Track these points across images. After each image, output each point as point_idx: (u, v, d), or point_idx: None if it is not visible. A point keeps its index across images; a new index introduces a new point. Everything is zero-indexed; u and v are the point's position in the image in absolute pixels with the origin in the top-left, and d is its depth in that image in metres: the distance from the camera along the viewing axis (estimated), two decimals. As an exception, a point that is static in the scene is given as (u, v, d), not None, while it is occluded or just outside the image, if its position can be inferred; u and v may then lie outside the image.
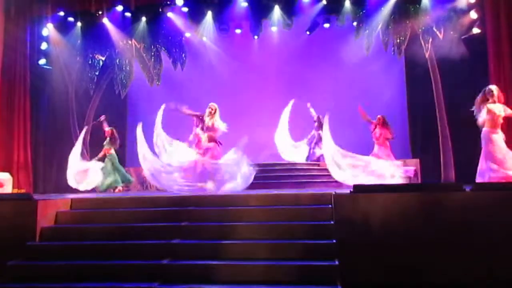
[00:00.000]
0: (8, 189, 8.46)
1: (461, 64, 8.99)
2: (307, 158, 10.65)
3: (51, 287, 4.12)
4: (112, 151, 8.86)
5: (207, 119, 6.88)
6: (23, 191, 9.17)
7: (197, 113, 7.30)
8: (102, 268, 4.33)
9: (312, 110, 10.59)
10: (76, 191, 8.42)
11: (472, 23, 9.06)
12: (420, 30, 9.58)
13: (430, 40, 9.46)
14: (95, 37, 10.72)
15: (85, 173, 8.45)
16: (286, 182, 8.82)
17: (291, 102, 10.84)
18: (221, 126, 6.82)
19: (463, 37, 9.11)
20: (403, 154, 10.27)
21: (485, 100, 5.93)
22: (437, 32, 9.33)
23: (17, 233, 4.79)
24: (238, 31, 11.30)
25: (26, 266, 4.46)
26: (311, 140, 10.78)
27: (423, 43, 9.54)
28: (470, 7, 9.02)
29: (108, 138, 8.93)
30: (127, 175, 8.99)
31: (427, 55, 9.56)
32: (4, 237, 4.79)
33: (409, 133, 10.57)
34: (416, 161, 9.72)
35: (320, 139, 10.73)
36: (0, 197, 5.68)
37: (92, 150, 10.12)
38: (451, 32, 9.17)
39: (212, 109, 6.89)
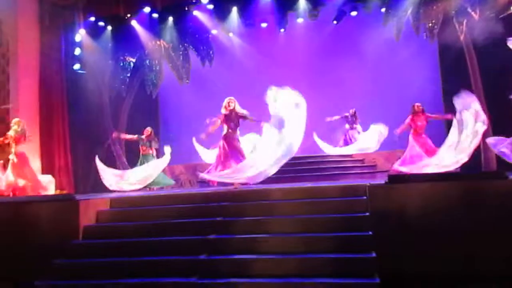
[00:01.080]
0: (51, 190, 8.84)
1: (500, 46, 8.57)
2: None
3: (95, 284, 4.29)
4: (152, 151, 9.01)
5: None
6: (65, 192, 9.54)
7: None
8: (142, 265, 4.46)
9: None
10: (113, 191, 8.67)
11: (510, 1, 8.62)
12: (453, 11, 9.18)
13: (465, 21, 9.06)
14: (125, 39, 10.97)
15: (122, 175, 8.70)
16: (319, 175, 8.76)
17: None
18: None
19: (500, 16, 8.67)
20: (439, 143, 9.96)
21: None
22: (472, 13, 8.92)
23: (61, 232, 5.01)
24: (264, 25, 11.25)
25: (71, 264, 4.66)
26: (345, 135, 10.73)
27: (457, 25, 9.15)
28: (507, -17, 8.60)
29: (147, 138, 9.03)
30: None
31: (461, 38, 9.17)
32: (49, 236, 5.03)
33: (445, 121, 10.23)
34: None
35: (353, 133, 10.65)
36: (44, 198, 5.94)
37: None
38: (487, 12, 8.73)
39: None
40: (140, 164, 8.84)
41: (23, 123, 7.49)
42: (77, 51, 10.73)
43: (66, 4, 10.44)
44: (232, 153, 6.51)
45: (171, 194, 5.90)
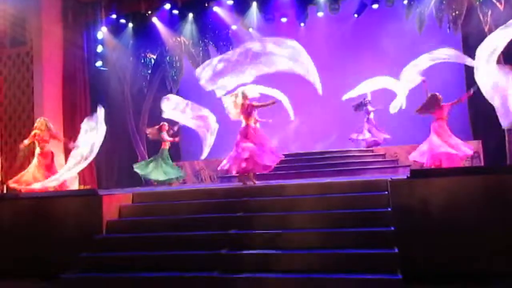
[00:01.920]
0: (74, 186, 9.05)
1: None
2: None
3: (119, 277, 4.38)
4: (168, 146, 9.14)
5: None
6: (88, 187, 9.75)
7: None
8: (164, 259, 4.52)
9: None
10: (136, 185, 8.82)
11: (537, -9, 8.34)
12: (477, 2, 8.96)
13: (490, 12, 8.81)
14: (146, 36, 11.11)
15: None
16: (339, 170, 8.70)
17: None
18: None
19: (526, 6, 8.41)
20: (464, 135, 9.73)
21: None
22: (497, 3, 8.67)
23: (86, 227, 5.12)
24: (284, 19, 11.19)
25: (95, 257, 4.76)
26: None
27: (481, 16, 8.91)
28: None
29: (165, 132, 9.14)
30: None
31: (486, 29, 8.92)
32: (74, 231, 5.15)
33: (469, 113, 9.99)
34: (478, 142, 9.20)
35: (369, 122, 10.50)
36: (68, 193, 6.09)
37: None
38: (513, 2, 8.50)
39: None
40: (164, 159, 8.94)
41: (46, 121, 7.61)
42: (99, 48, 10.92)
43: (88, 2, 10.64)
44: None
45: (192, 189, 5.96)
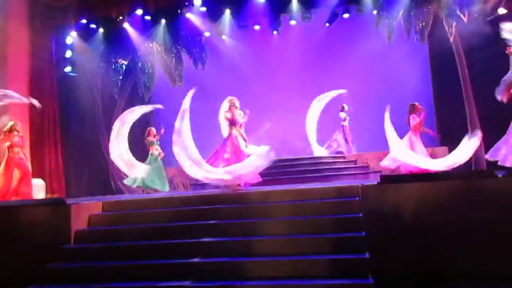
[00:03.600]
0: (41, 194, 8.74)
1: (488, 47, 8.68)
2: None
3: (88, 288, 4.25)
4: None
5: (228, 114, 6.81)
6: (56, 196, 9.45)
7: None
8: (135, 269, 4.42)
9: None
10: (107, 194, 8.62)
11: (498, 3, 8.73)
12: (443, 14, 9.31)
13: (454, 24, 9.17)
14: (117, 42, 10.95)
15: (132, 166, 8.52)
16: (312, 176, 8.78)
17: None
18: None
19: (488, 18, 8.78)
20: (431, 142, 10.03)
21: None
22: (461, 15, 9.04)
23: (53, 237, 4.94)
24: (257, 27, 11.29)
25: (63, 268, 4.60)
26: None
27: (447, 28, 9.26)
28: (494, -14, 8.72)
29: (152, 137, 8.90)
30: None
31: (451, 40, 9.28)
32: (41, 241, 4.96)
33: (436, 121, 10.32)
34: (444, 149, 9.48)
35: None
36: (34, 202, 5.88)
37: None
38: (476, 14, 8.86)
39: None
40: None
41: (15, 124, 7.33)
42: (69, 54, 10.68)
43: (57, 6, 10.39)
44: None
45: (164, 197, 5.87)
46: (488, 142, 8.85)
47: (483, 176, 4.45)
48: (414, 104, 7.73)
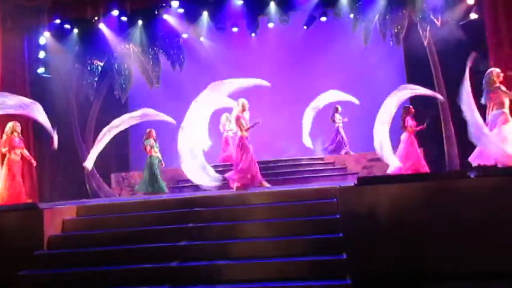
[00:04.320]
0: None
1: (460, 50, 8.91)
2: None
3: (62, 295, 4.14)
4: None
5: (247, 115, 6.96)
6: (29, 201, 9.19)
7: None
8: (111, 274, 4.34)
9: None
10: (82, 198, 8.43)
11: (469, 9, 9.00)
12: (417, 18, 9.52)
13: (428, 28, 9.40)
14: (92, 43, 10.74)
15: None
16: (291, 178, 8.82)
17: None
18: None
19: (461, 23, 9.04)
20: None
21: (493, 83, 5.88)
22: (435, 20, 9.26)
23: (25, 243, 4.79)
24: (235, 29, 11.28)
25: (36, 275, 4.47)
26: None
27: (421, 31, 9.48)
28: (466, -8, 8.97)
29: (152, 140, 8.71)
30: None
31: (425, 43, 9.50)
32: (13, 247, 4.81)
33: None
34: (420, 150, 9.67)
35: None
36: (6, 208, 5.69)
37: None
38: (449, 19, 9.10)
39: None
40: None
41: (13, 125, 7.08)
42: (42, 54, 10.42)
43: (30, 6, 10.11)
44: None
45: (140, 201, 5.78)
46: (461, 144, 9.13)
47: (456, 177, 4.55)
48: (409, 107, 8.01)
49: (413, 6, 9.56)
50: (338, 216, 4.52)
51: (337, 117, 10.62)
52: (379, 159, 9.76)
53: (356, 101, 10.28)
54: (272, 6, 10.41)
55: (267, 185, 6.80)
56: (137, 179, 10.65)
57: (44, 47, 10.44)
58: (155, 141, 8.76)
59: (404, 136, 7.86)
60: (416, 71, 10.38)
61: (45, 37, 10.33)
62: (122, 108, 11.92)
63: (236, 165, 6.75)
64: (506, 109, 5.84)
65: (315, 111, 10.58)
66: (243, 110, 6.88)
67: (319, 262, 4.04)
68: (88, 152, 10.90)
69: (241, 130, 6.78)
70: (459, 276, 4.07)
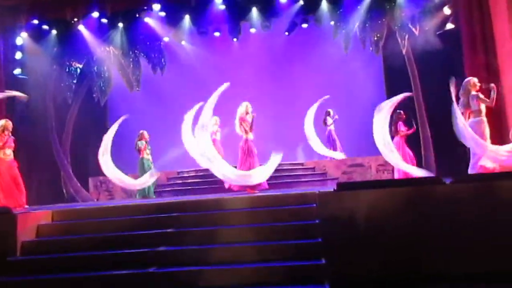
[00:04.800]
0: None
1: (437, 59, 9.16)
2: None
3: (35, 302, 4.03)
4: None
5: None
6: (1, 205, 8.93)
7: None
8: (87, 280, 4.25)
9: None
10: (59, 202, 8.25)
11: (446, 19, 9.23)
12: (396, 27, 9.72)
13: (407, 36, 9.60)
14: (71, 44, 10.54)
15: None
16: (271, 183, 8.83)
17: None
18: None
19: (438, 32, 9.27)
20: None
21: (470, 92, 6.03)
22: (413, 29, 9.47)
23: (-3, 249, 4.66)
24: (217, 34, 11.27)
25: (8, 282, 4.35)
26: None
27: (399, 40, 9.68)
28: (443, 3, 9.19)
29: (143, 141, 8.62)
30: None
31: (404, 51, 9.70)
32: (-16, 253, 4.67)
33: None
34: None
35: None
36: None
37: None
38: (426, 28, 9.32)
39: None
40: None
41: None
42: (18, 55, 10.18)
43: (7, 5, 9.88)
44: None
45: (119, 205, 5.69)
46: (438, 151, 9.33)
47: (431, 183, 4.64)
48: (401, 113, 8.15)
49: (392, 15, 9.75)
50: (317, 221, 4.55)
51: (329, 120, 10.71)
52: (359, 165, 9.95)
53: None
54: (254, 12, 10.45)
55: (257, 192, 6.70)
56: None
57: (21, 48, 10.20)
58: (147, 143, 8.65)
59: (396, 140, 8.02)
60: (394, 78, 10.58)
61: (22, 38, 10.10)
62: (101, 111, 11.80)
63: (239, 167, 6.79)
64: (484, 117, 6.00)
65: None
66: (247, 113, 6.88)
67: (297, 267, 4.05)
68: (66, 156, 10.74)
69: (246, 132, 6.77)
70: (441, 279, 4.13)
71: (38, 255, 4.74)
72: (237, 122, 6.99)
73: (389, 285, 4.19)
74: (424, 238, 4.26)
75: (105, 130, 11.62)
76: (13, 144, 6.89)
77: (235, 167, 6.92)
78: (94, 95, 11.08)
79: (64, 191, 10.54)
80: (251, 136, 6.94)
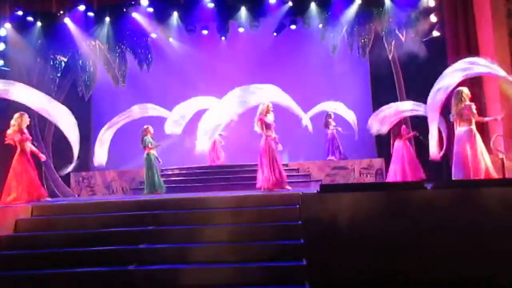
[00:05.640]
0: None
1: (422, 65, 9.29)
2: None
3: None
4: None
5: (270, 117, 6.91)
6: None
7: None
8: (65, 276, 4.19)
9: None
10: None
11: (432, 26, 9.37)
12: (383, 32, 9.84)
13: (393, 42, 9.73)
14: (56, 37, 10.36)
15: None
16: (253, 183, 8.83)
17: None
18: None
19: (424, 39, 9.41)
20: (369, 153, 10.50)
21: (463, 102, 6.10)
22: (400, 35, 9.60)
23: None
24: (205, 32, 11.23)
25: (-17, 277, 4.25)
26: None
27: (386, 45, 9.80)
28: (430, 11, 9.33)
29: (149, 136, 8.51)
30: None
31: (390, 57, 9.83)
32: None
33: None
34: (381, 160, 9.96)
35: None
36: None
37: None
38: (413, 35, 9.46)
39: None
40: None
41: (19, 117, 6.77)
42: (1, 46, 9.96)
43: (-10, -5, 9.67)
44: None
45: (100, 202, 5.63)
46: (420, 151, 9.44)
47: (412, 188, 4.70)
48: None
49: (379, 21, 9.86)
50: (300, 222, 4.57)
51: (331, 123, 10.74)
52: (342, 168, 10.02)
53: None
54: (243, 11, 10.44)
55: (289, 187, 6.84)
56: (98, 179, 10.39)
57: (4, 39, 9.98)
58: (152, 137, 8.54)
59: (398, 143, 8.36)
60: (380, 82, 10.70)
61: (5, 29, 9.88)
62: (85, 106, 11.63)
63: (259, 167, 6.77)
64: (473, 126, 6.11)
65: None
66: (267, 112, 6.78)
67: (278, 268, 4.06)
68: (48, 150, 10.54)
69: (265, 132, 6.67)
70: (420, 285, 4.18)
71: (15, 250, 4.65)
72: (256, 121, 6.83)
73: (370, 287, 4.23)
74: (404, 243, 4.31)
75: (89, 125, 11.54)
76: (29, 136, 6.86)
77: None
78: (78, 90, 10.92)
79: (45, 186, 10.34)
80: (272, 135, 6.77)
